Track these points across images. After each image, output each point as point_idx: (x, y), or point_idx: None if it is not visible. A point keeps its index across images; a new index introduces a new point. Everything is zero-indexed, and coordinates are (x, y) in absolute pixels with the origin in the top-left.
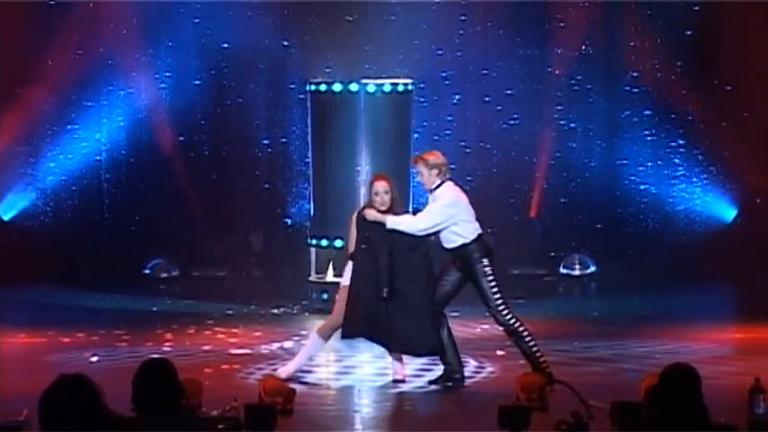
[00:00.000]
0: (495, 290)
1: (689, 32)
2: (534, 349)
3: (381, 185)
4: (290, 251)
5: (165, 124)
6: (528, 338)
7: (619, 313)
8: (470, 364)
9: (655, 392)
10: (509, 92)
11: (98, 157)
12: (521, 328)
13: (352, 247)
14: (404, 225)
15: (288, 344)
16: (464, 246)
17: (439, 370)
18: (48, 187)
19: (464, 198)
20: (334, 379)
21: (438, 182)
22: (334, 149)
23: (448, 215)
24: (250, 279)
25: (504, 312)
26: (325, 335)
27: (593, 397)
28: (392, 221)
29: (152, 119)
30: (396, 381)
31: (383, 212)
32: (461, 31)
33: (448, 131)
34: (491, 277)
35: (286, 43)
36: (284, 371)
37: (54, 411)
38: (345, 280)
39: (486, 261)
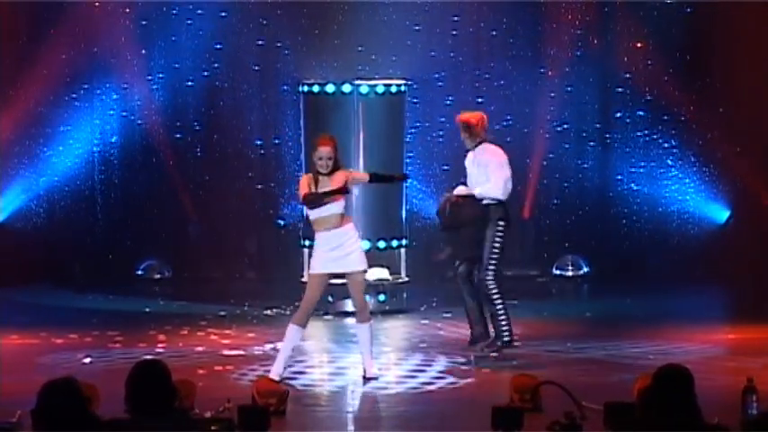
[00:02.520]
0: (495, 259)
1: (681, 33)
2: (504, 327)
3: (325, 151)
4: (282, 252)
5: (157, 125)
6: (502, 318)
7: (612, 314)
8: (463, 366)
9: (648, 393)
10: (502, 93)
11: (91, 158)
12: (498, 303)
13: None
14: (489, 192)
15: (281, 344)
16: (488, 205)
17: (430, 372)
18: (40, 188)
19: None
20: (327, 380)
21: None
22: None
23: (507, 169)
24: (243, 280)
25: (491, 284)
26: (302, 322)
27: (586, 398)
28: (479, 192)
29: (145, 120)
30: (368, 378)
31: (325, 175)
32: (454, 32)
33: (441, 132)
34: (498, 245)
35: (279, 44)
36: (274, 373)
37: (44, 414)
38: (313, 268)
39: (501, 225)
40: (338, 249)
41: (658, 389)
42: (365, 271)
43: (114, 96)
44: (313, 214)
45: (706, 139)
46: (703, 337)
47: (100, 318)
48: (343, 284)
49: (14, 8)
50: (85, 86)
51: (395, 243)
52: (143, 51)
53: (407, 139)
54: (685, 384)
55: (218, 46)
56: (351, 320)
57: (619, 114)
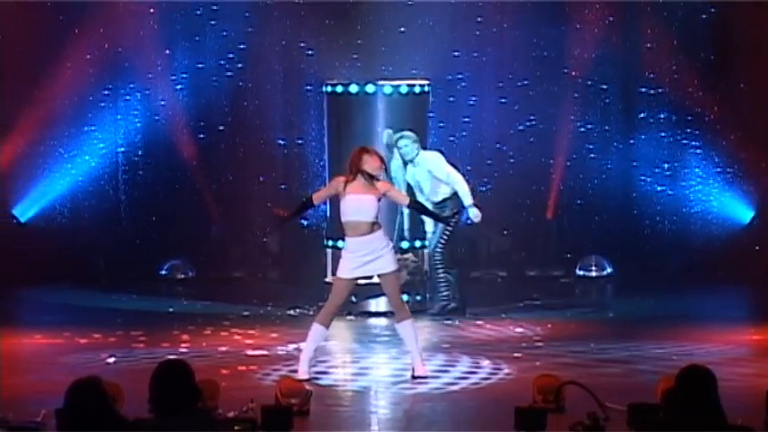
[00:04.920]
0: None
1: (705, 34)
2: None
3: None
4: (306, 253)
5: (181, 125)
6: (443, 280)
7: (635, 315)
8: (486, 366)
9: (672, 394)
10: (525, 93)
11: (115, 159)
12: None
13: None
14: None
15: (304, 345)
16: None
17: (453, 372)
18: (64, 188)
19: None
20: (350, 380)
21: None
22: (351, 151)
23: None
24: (266, 280)
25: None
26: (326, 322)
27: (609, 399)
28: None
29: (169, 120)
30: (416, 377)
31: (353, 181)
32: (478, 33)
33: (464, 133)
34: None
35: (302, 44)
36: (302, 372)
37: (69, 413)
38: (341, 272)
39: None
40: (369, 254)
41: (682, 390)
42: (397, 271)
43: (138, 96)
44: (345, 218)
45: (730, 140)
46: (727, 338)
47: (124, 318)
48: (366, 285)
49: (39, 9)
50: (109, 87)
51: (418, 244)
52: (167, 51)
53: (431, 140)
54: (709, 385)
55: (242, 46)
56: (373, 321)
57: (642, 115)
